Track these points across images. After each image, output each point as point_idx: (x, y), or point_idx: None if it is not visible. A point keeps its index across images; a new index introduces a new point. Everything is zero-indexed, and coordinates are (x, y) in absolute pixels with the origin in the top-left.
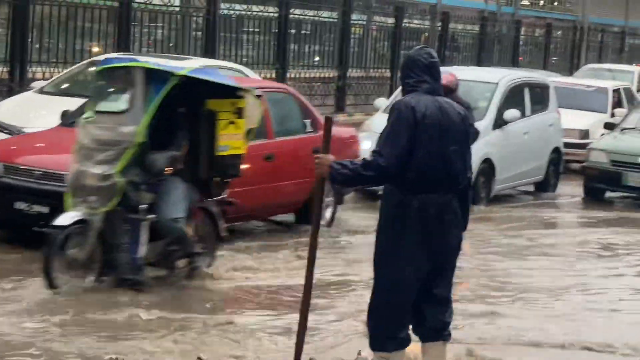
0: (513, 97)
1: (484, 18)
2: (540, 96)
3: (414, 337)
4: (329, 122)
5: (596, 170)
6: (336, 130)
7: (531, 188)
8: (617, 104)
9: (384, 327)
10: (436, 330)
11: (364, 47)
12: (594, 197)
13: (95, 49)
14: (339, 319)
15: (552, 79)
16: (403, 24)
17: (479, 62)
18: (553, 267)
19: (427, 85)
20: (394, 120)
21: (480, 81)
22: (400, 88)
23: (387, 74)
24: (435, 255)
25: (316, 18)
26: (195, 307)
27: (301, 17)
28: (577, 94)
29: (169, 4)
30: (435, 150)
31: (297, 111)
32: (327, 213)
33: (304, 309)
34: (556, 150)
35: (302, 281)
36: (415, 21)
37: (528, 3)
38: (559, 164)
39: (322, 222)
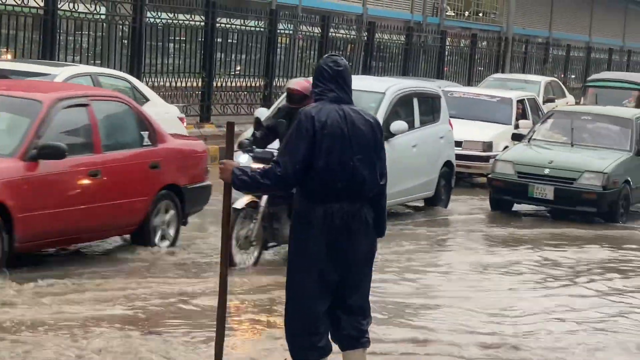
0: (401, 107)
1: (409, 28)
2: (430, 107)
3: None
4: (230, 127)
5: (502, 182)
6: (181, 143)
7: (421, 204)
8: (522, 115)
9: (301, 337)
10: (353, 338)
11: (290, 57)
12: (500, 209)
13: (8, 56)
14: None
15: (455, 89)
16: (329, 34)
17: (405, 72)
18: (456, 286)
19: (333, 93)
20: (293, 129)
21: (366, 90)
22: (280, 99)
23: None
24: (344, 265)
25: (243, 27)
26: None
27: (228, 26)
28: (481, 105)
29: (94, 12)
30: (337, 159)
31: (132, 122)
32: (171, 232)
33: (220, 323)
34: (448, 164)
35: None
36: (342, 31)
37: (453, 14)
38: (451, 179)
39: (165, 244)
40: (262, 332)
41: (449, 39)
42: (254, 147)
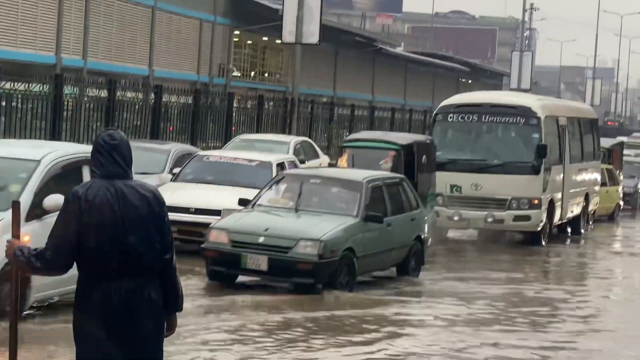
0: (65, 178)
1: (197, 90)
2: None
3: None
4: (16, 206)
5: (216, 252)
6: None
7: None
8: None
9: None
10: None
11: (77, 120)
12: (220, 281)
13: None
14: None
15: (210, 153)
16: (117, 97)
17: (193, 134)
18: None
19: (107, 169)
20: (61, 211)
21: (14, 158)
22: None
23: None
24: (128, 345)
25: (27, 91)
26: None
27: (11, 90)
28: (240, 169)
29: None
30: (108, 238)
31: None
32: None
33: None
34: None
35: None
36: (129, 94)
37: (239, 74)
38: None
39: None
40: None
41: (236, 99)
42: None
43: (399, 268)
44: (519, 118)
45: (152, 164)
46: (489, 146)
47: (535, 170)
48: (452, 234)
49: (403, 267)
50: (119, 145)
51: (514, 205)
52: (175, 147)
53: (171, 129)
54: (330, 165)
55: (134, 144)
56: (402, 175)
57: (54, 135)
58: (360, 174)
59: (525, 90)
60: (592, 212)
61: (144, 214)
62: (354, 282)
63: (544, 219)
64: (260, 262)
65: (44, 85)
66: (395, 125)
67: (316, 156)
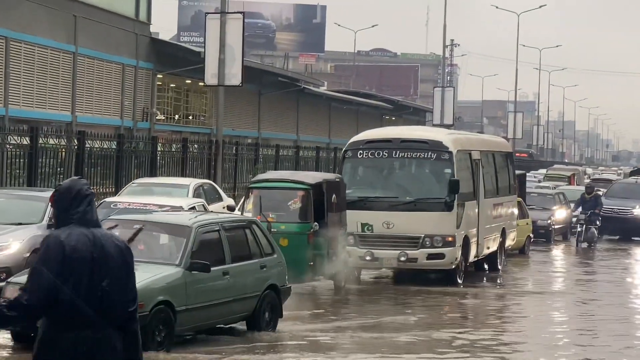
0: None
1: (120, 135)
2: None
3: None
4: None
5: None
6: None
7: None
8: None
9: None
10: None
11: None
12: (23, 342)
13: None
14: None
15: (119, 200)
16: (39, 144)
17: (118, 179)
18: None
19: (85, 216)
20: (41, 255)
21: None
22: None
23: None
24: None
25: None
26: None
27: None
28: None
29: None
30: (86, 284)
31: None
32: None
33: None
34: None
35: None
36: (52, 140)
37: (163, 118)
38: None
39: None
40: None
41: (160, 143)
42: None
43: (249, 321)
44: (430, 153)
45: (29, 213)
46: (400, 183)
47: (448, 207)
48: (365, 274)
49: (254, 320)
50: (92, 195)
51: (427, 243)
52: None
53: None
54: (229, 208)
55: (5, 192)
56: (252, 218)
57: None
58: (190, 218)
59: (448, 126)
60: (509, 247)
61: (118, 263)
62: (172, 339)
63: (459, 257)
64: None
65: None
66: (320, 164)
67: (219, 199)
